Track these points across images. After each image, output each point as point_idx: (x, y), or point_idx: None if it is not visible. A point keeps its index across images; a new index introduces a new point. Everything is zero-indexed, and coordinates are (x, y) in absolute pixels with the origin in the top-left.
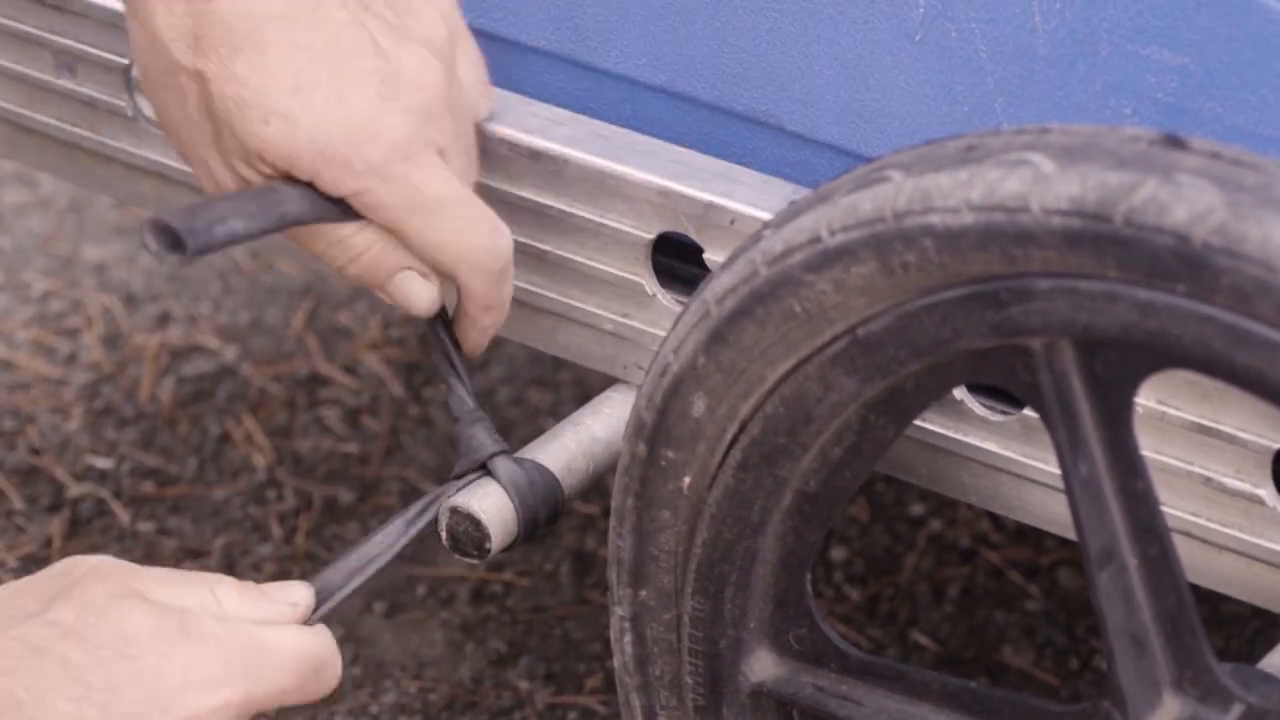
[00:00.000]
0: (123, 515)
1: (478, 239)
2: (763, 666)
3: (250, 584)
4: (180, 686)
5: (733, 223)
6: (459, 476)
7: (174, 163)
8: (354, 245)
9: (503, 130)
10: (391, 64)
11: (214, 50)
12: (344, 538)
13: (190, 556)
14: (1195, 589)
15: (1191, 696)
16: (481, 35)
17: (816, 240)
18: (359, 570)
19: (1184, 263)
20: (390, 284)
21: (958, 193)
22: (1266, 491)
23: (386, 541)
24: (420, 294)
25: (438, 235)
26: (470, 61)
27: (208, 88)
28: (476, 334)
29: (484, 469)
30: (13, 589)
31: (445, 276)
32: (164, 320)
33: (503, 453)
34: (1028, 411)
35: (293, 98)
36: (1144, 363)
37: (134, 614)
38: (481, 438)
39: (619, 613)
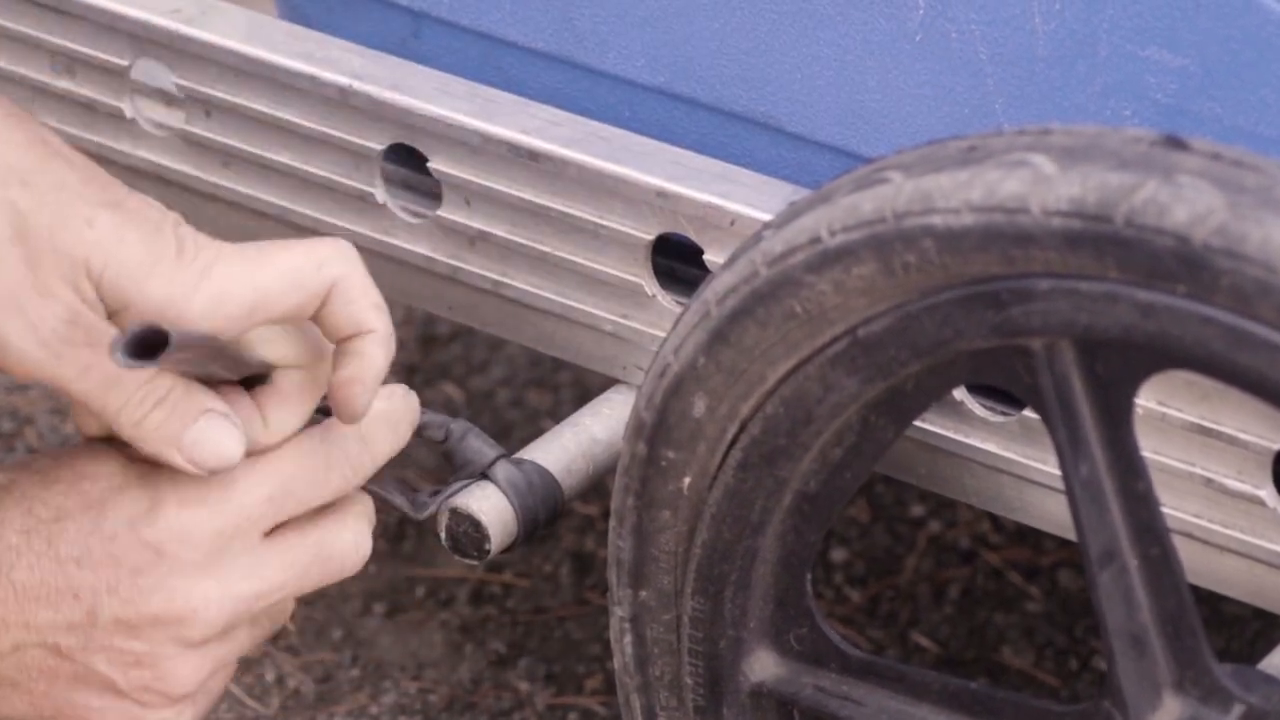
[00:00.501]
0: None
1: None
2: (763, 667)
3: None
4: None
5: (732, 224)
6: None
7: (173, 164)
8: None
9: (502, 131)
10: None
11: None
12: None
13: None
14: (1196, 590)
15: (1192, 697)
16: (481, 36)
17: (817, 241)
18: None
19: (1184, 264)
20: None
21: (958, 193)
22: (1267, 492)
23: None
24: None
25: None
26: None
27: None
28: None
29: (484, 476)
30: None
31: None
32: None
33: (501, 456)
34: (1028, 412)
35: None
36: (1144, 364)
37: None
38: (478, 446)
39: (619, 613)
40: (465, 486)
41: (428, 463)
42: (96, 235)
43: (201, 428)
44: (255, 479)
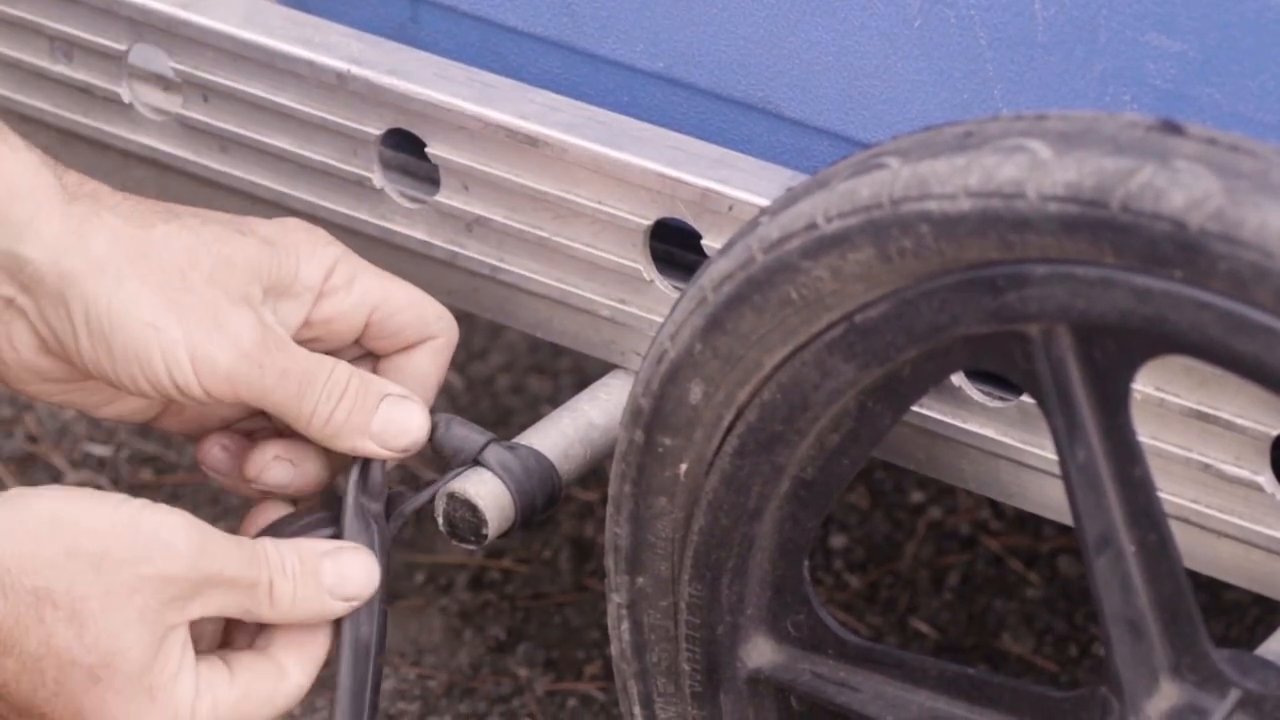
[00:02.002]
0: None
1: None
2: (760, 653)
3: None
4: None
5: (730, 209)
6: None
7: (170, 149)
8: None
9: (500, 116)
10: None
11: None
12: None
13: None
14: (1194, 575)
15: (1189, 682)
16: (480, 21)
17: (813, 227)
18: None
19: (1181, 248)
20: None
21: (955, 179)
22: (1265, 478)
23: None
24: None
25: None
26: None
27: None
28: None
29: (476, 462)
30: None
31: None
32: None
33: (491, 441)
34: (1026, 398)
35: None
36: (1141, 349)
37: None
38: (465, 434)
39: (616, 600)
40: (459, 474)
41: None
42: (256, 239)
43: (385, 412)
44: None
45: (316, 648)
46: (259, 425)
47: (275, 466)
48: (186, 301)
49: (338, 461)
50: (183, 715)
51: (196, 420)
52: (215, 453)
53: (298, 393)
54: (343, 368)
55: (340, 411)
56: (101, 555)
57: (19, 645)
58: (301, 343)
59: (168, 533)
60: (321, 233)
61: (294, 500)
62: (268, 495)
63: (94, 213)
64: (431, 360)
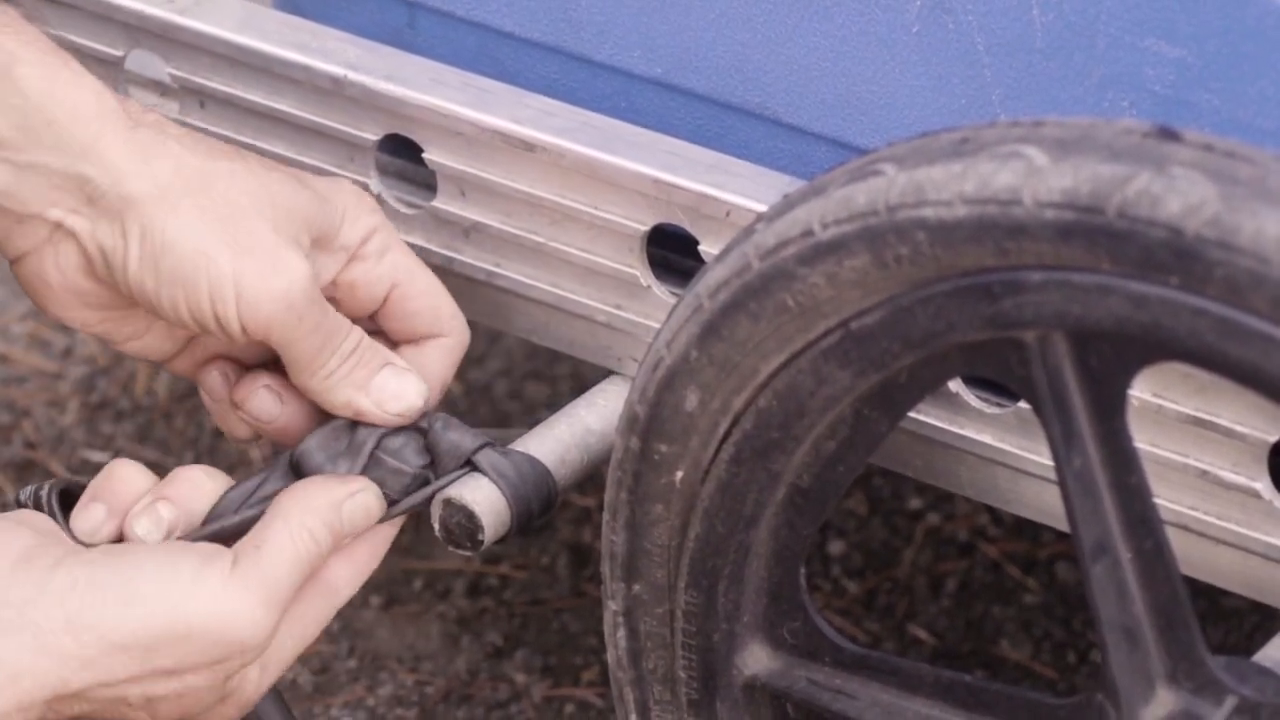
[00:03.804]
0: None
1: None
2: (756, 660)
3: None
4: None
5: (728, 215)
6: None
7: None
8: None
9: (496, 122)
10: None
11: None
12: None
13: None
14: (1191, 582)
15: (1185, 689)
16: (476, 26)
17: (809, 233)
18: None
19: (1177, 255)
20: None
21: (951, 186)
22: (1263, 485)
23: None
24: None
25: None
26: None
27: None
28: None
29: (469, 464)
30: None
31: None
32: None
33: (485, 445)
34: (1023, 404)
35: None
36: (1138, 355)
37: None
38: (458, 438)
39: (612, 607)
40: (456, 478)
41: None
42: (311, 191)
43: (386, 374)
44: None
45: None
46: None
47: (264, 395)
48: (242, 239)
49: (324, 417)
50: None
51: (205, 362)
52: (215, 377)
53: (320, 347)
54: (357, 331)
55: (345, 367)
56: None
57: None
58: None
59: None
60: (369, 198)
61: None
62: (250, 434)
63: (159, 140)
64: (440, 358)
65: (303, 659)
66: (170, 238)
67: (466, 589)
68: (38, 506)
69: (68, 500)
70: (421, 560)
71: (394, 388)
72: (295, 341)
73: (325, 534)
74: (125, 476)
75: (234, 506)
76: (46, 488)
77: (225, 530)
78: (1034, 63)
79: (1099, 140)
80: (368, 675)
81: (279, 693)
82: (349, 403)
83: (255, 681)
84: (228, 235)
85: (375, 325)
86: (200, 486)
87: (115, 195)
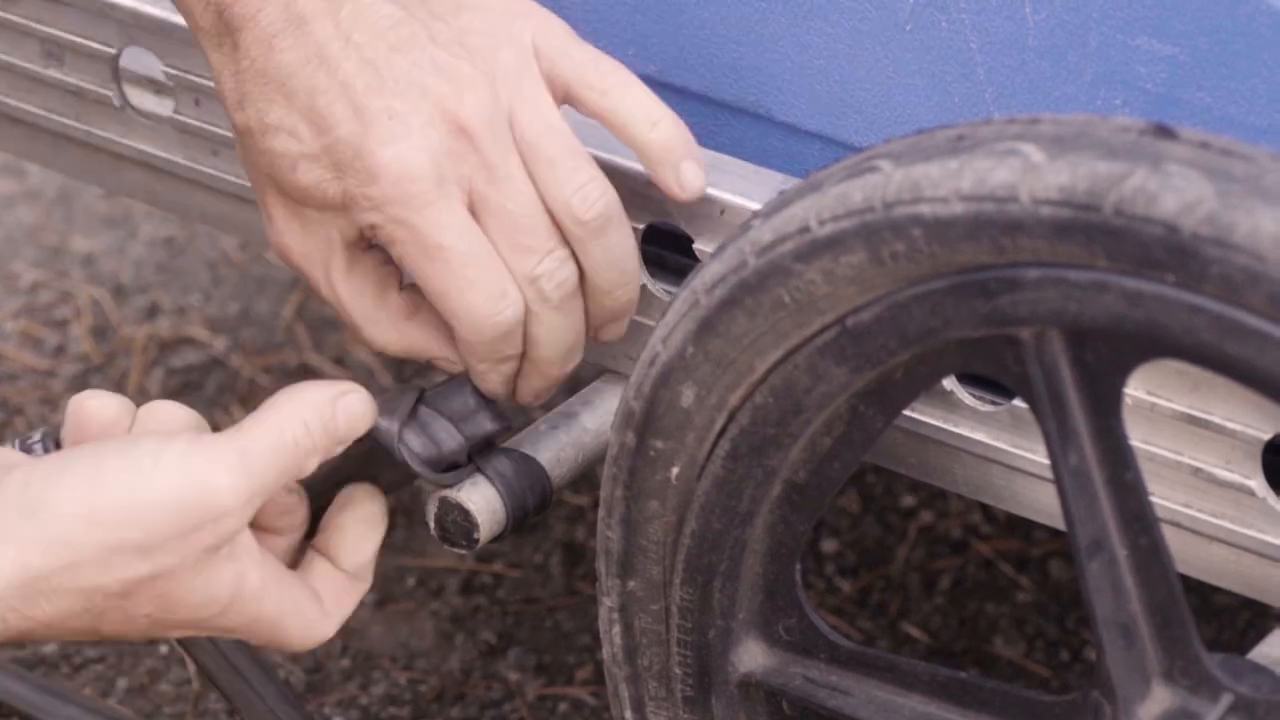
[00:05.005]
0: None
1: (472, 301)
2: (752, 657)
3: None
4: None
5: (722, 212)
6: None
7: (161, 152)
8: (368, 338)
9: None
10: (410, 99)
11: (253, 105)
12: None
13: None
14: (1186, 580)
15: (1181, 687)
16: None
17: (806, 230)
18: None
19: (1173, 252)
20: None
21: (947, 182)
22: (1256, 482)
23: None
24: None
25: (436, 284)
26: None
27: (254, 142)
28: (479, 381)
29: (470, 461)
30: None
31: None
32: (153, 311)
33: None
34: (1017, 402)
35: (316, 139)
36: (1133, 353)
37: None
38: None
39: (607, 604)
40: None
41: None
42: None
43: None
44: None
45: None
46: None
47: None
48: None
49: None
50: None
51: None
52: None
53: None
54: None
55: None
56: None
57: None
58: None
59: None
60: None
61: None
62: None
63: None
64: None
65: (295, 657)
66: None
67: (460, 587)
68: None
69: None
70: (415, 558)
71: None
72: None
73: (317, 424)
74: (95, 406)
75: None
76: (38, 435)
77: None
78: (1027, 61)
79: (1095, 137)
80: (361, 674)
81: (291, 690)
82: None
83: (255, 592)
84: None
85: None
86: (176, 417)
87: None
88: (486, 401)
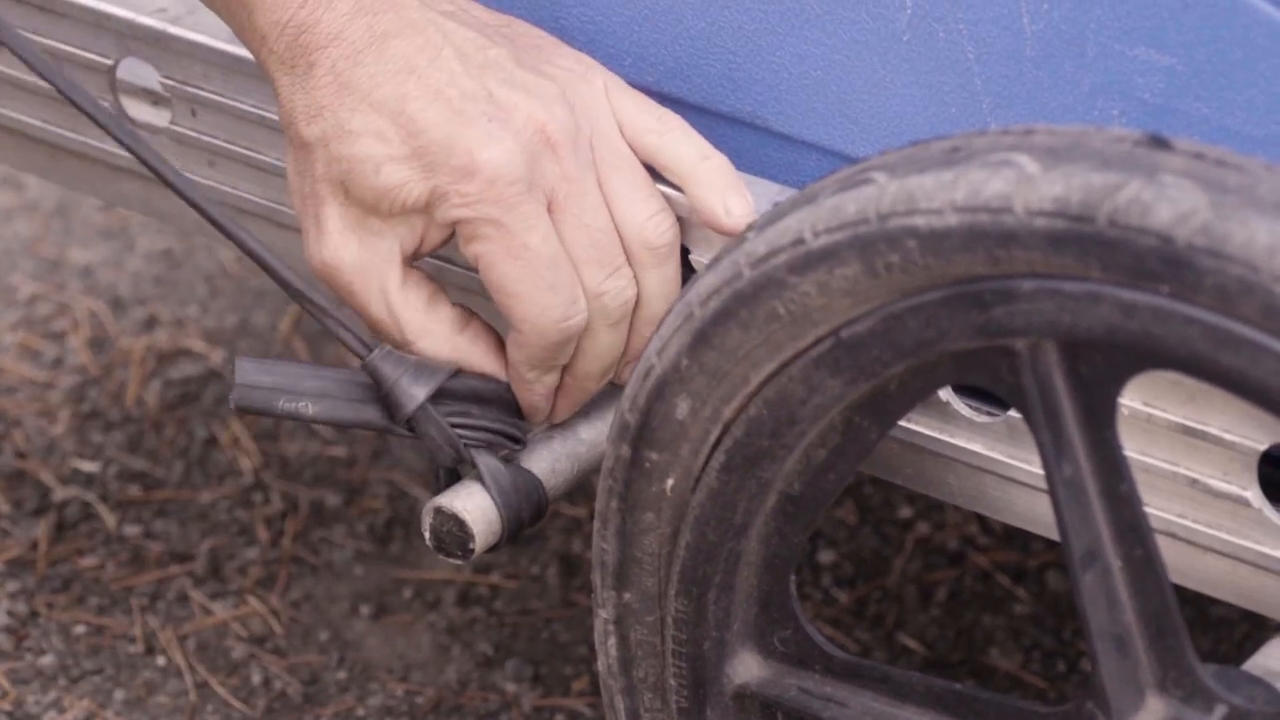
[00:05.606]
0: (109, 519)
1: (548, 303)
2: (747, 668)
3: None
4: None
5: None
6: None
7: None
8: (416, 348)
9: None
10: (503, 108)
11: (331, 114)
12: (331, 540)
13: (176, 560)
14: (1181, 591)
15: (1175, 698)
16: None
17: (800, 242)
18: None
19: (1167, 263)
20: None
21: (942, 194)
22: (1252, 493)
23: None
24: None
25: (513, 284)
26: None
27: (322, 151)
28: (522, 391)
29: (466, 458)
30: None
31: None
32: (151, 324)
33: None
34: (1013, 413)
35: (406, 142)
36: (1128, 364)
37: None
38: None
39: (603, 615)
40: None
41: (415, 466)
42: None
43: None
44: None
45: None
46: None
47: None
48: None
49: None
50: None
51: None
52: None
53: None
54: None
55: None
56: None
57: None
58: None
59: None
60: None
61: None
62: None
63: None
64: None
65: (292, 669)
66: None
67: (457, 598)
68: None
69: None
70: (411, 569)
71: None
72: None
73: None
74: None
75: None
76: None
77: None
78: (1024, 71)
79: (1090, 148)
80: (357, 685)
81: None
82: None
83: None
84: None
85: None
86: None
87: None
88: (516, 410)
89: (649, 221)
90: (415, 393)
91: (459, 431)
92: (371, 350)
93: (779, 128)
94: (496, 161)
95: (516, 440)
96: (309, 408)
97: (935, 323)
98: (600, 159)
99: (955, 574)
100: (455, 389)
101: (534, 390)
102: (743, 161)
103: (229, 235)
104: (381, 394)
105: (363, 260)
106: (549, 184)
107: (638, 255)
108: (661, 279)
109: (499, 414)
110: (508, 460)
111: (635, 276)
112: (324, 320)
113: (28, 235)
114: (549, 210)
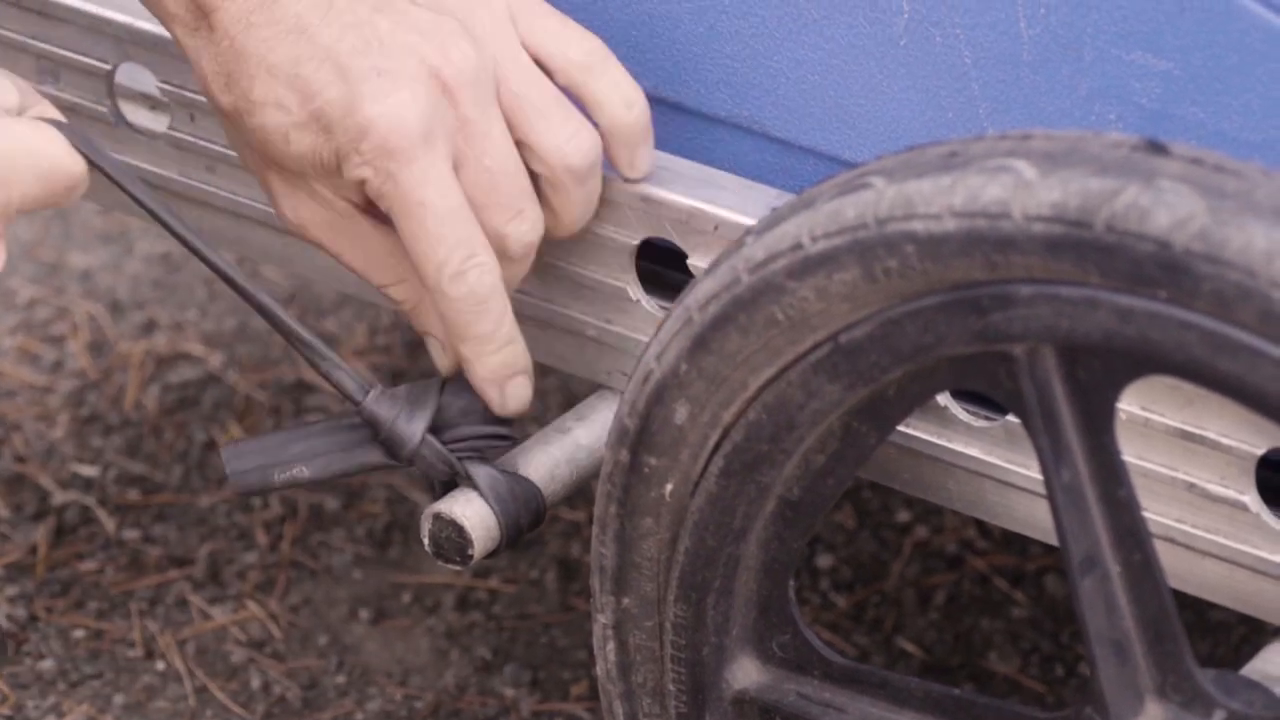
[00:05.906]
0: (108, 523)
1: (442, 258)
2: (746, 674)
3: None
4: None
5: (716, 229)
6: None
7: (156, 169)
8: (393, 297)
9: None
10: (394, 57)
11: (236, 85)
12: (330, 545)
13: (175, 564)
14: (1180, 595)
15: (1174, 703)
16: None
17: (799, 247)
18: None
19: (1165, 269)
20: (425, 339)
21: (940, 199)
22: (1250, 498)
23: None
24: (438, 359)
25: (409, 241)
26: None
27: (240, 122)
28: (473, 379)
29: (466, 476)
30: None
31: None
32: (149, 327)
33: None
34: (1011, 418)
35: (303, 106)
36: (1126, 369)
37: None
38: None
39: (602, 620)
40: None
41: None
42: None
43: (428, 342)
44: None
45: None
46: None
47: None
48: None
49: None
50: None
51: None
52: None
53: None
54: None
55: None
56: None
57: None
58: None
59: None
60: None
61: None
62: None
63: None
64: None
65: (291, 674)
66: None
67: (455, 603)
68: None
69: None
70: (410, 574)
71: None
72: None
73: None
74: None
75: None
76: None
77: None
78: (1021, 76)
79: (1087, 154)
80: (356, 690)
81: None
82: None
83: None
84: None
85: None
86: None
87: None
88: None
89: (568, 144)
90: (414, 430)
91: (451, 447)
92: (367, 393)
93: (776, 133)
94: (387, 117)
95: (506, 437)
96: (304, 471)
97: (933, 328)
98: (509, 87)
99: (953, 578)
100: (441, 406)
101: (475, 374)
102: (741, 166)
103: (246, 297)
104: (381, 436)
105: (319, 217)
106: (449, 129)
107: (560, 179)
108: (586, 197)
109: (483, 416)
110: (504, 469)
111: (553, 202)
112: (318, 365)
113: (27, 239)
114: (453, 157)
